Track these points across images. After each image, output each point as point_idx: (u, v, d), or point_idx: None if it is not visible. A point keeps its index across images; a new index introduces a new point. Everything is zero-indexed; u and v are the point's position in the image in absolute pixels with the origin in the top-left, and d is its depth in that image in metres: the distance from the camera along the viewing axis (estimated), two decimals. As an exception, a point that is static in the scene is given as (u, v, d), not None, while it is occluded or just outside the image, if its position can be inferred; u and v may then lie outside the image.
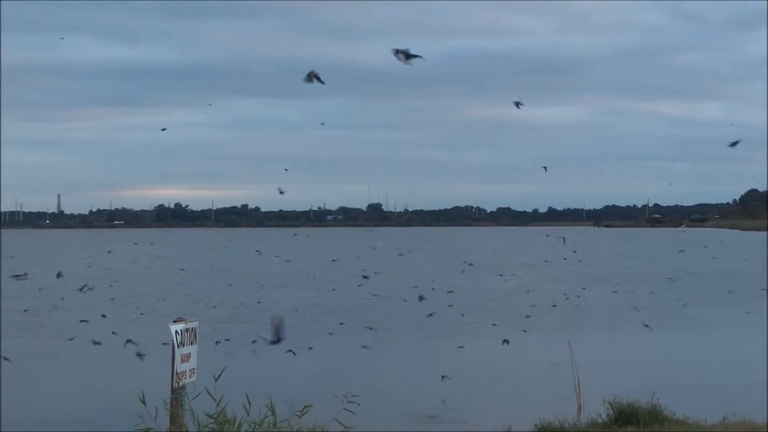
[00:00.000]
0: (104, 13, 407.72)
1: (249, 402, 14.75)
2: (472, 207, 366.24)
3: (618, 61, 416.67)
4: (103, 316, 47.05)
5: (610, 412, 22.12)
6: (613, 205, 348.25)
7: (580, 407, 25.37)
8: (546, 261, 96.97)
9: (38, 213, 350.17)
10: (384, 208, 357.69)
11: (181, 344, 14.57)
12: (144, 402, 14.65)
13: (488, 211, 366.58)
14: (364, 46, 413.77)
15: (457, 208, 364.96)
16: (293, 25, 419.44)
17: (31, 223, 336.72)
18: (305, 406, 15.25)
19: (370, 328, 43.26)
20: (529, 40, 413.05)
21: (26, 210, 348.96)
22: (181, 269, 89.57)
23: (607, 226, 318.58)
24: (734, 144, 25.12)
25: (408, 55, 16.40)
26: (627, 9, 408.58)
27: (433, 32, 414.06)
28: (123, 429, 18.82)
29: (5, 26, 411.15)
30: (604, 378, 30.11)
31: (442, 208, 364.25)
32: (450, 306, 53.42)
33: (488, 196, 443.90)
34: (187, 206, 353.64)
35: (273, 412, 14.90)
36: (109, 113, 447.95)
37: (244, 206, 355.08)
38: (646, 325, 42.23)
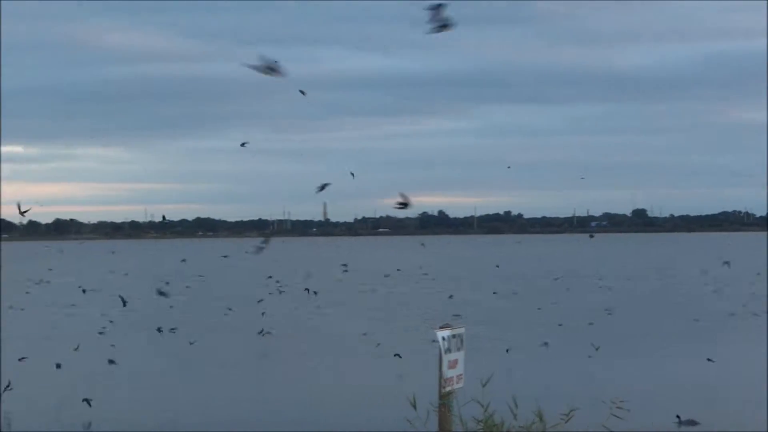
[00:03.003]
0: (362, 26, 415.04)
1: (516, 405, 14.89)
2: (740, 212, 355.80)
3: None
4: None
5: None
6: None
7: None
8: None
9: (305, 221, 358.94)
10: (649, 213, 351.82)
11: (448, 350, 14.84)
12: (414, 406, 14.95)
13: (757, 215, 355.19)
14: (618, 52, 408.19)
15: (724, 213, 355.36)
16: (550, 32, 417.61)
17: (298, 231, 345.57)
18: (570, 410, 15.27)
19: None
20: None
21: (294, 218, 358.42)
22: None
23: None
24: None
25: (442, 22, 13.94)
26: None
27: (686, 35, 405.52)
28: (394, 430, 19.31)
29: (262, 39, 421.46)
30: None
31: (708, 213, 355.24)
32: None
33: (757, 200, 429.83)
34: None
35: (541, 418, 15.00)
36: (371, 123, 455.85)
37: (507, 213, 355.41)
38: None
